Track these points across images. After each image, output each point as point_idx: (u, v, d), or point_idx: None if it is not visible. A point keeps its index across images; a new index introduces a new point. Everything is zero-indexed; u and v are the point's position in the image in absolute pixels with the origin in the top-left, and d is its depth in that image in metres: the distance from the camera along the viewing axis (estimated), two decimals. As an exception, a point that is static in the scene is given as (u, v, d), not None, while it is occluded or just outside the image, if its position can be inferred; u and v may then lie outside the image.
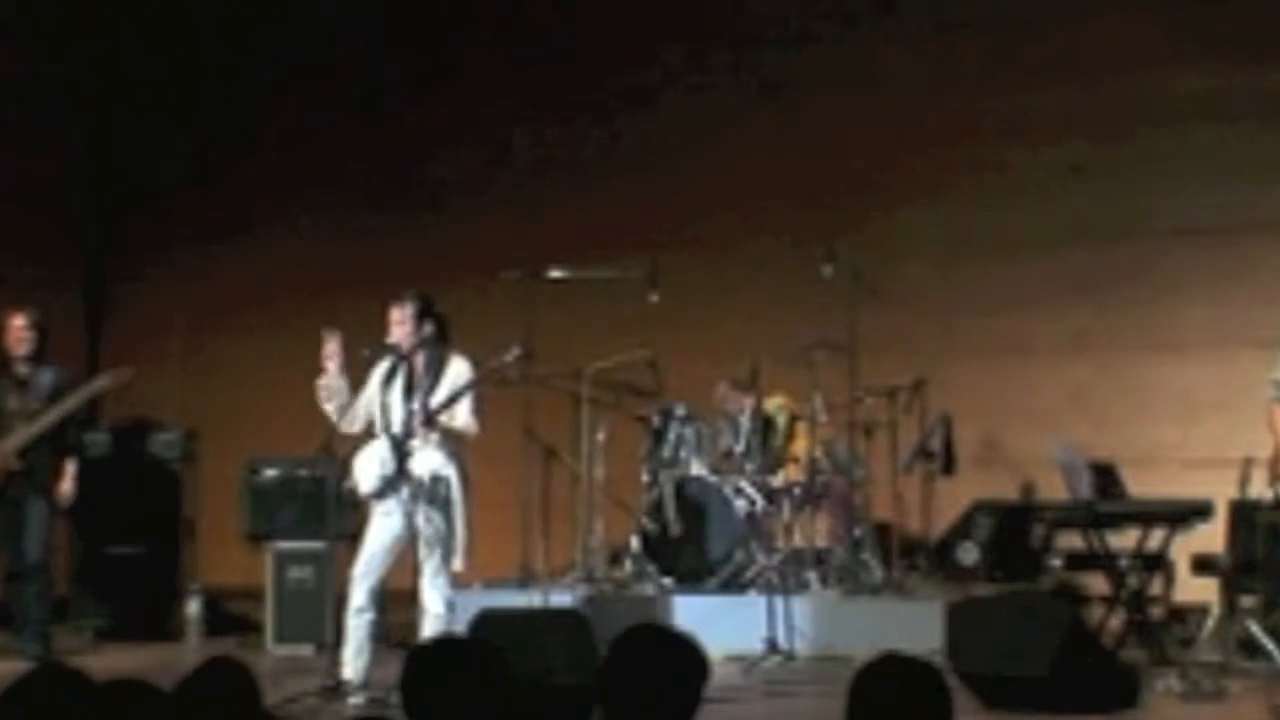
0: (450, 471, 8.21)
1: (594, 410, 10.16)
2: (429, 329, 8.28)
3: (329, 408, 8.25)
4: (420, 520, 8.14)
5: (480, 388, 8.34)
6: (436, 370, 8.26)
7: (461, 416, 8.22)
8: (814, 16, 11.72)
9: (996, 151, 11.13)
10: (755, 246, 11.50)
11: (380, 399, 8.30)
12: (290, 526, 10.66)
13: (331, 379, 8.23)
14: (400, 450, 8.16)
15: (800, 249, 10.60)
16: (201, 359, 12.71)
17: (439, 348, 8.31)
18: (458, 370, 8.28)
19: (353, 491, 8.36)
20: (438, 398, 8.21)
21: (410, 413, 8.19)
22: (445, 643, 4.33)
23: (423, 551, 8.16)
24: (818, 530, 10.21)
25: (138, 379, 10.47)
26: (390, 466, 8.15)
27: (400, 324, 8.24)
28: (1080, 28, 10.98)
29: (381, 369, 8.33)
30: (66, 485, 10.07)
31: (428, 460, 8.19)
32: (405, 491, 8.16)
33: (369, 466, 8.21)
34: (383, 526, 8.22)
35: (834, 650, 9.15)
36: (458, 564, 8.25)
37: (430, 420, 8.13)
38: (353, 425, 8.29)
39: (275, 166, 12.86)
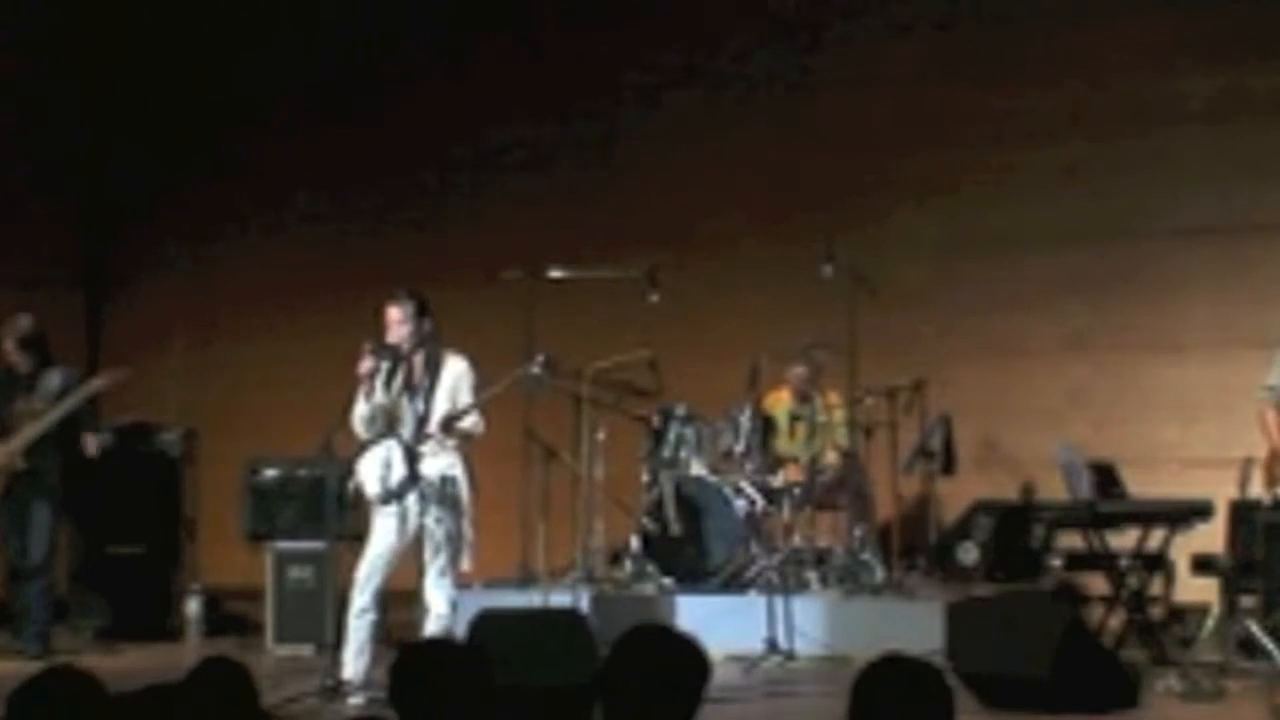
0: (459, 472, 8.23)
1: (594, 410, 10.17)
2: (428, 327, 8.29)
3: (361, 429, 8.24)
4: (430, 521, 8.14)
5: (482, 388, 8.36)
6: (435, 370, 8.27)
7: (469, 417, 8.23)
8: (814, 16, 11.72)
9: (996, 151, 11.13)
10: (755, 246, 11.50)
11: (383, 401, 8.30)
12: (290, 526, 10.67)
13: (377, 401, 8.21)
14: (411, 455, 8.15)
15: (800, 249, 10.59)
16: (201, 359, 12.70)
17: (435, 346, 8.32)
18: (456, 369, 8.28)
19: (358, 493, 8.36)
20: (439, 397, 8.21)
21: (419, 418, 8.18)
22: (432, 644, 4.38)
23: (429, 552, 8.16)
24: (821, 530, 10.22)
25: (137, 379, 10.48)
26: (400, 471, 8.14)
27: (401, 323, 8.24)
28: (1080, 28, 10.98)
29: (381, 371, 8.32)
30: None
31: (437, 462, 8.20)
32: (415, 494, 8.15)
33: (374, 469, 8.20)
34: (388, 528, 8.20)
35: (834, 650, 9.16)
36: (466, 564, 8.26)
37: (448, 427, 8.14)
38: (370, 430, 8.27)
39: (275, 167, 12.86)
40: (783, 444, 10.56)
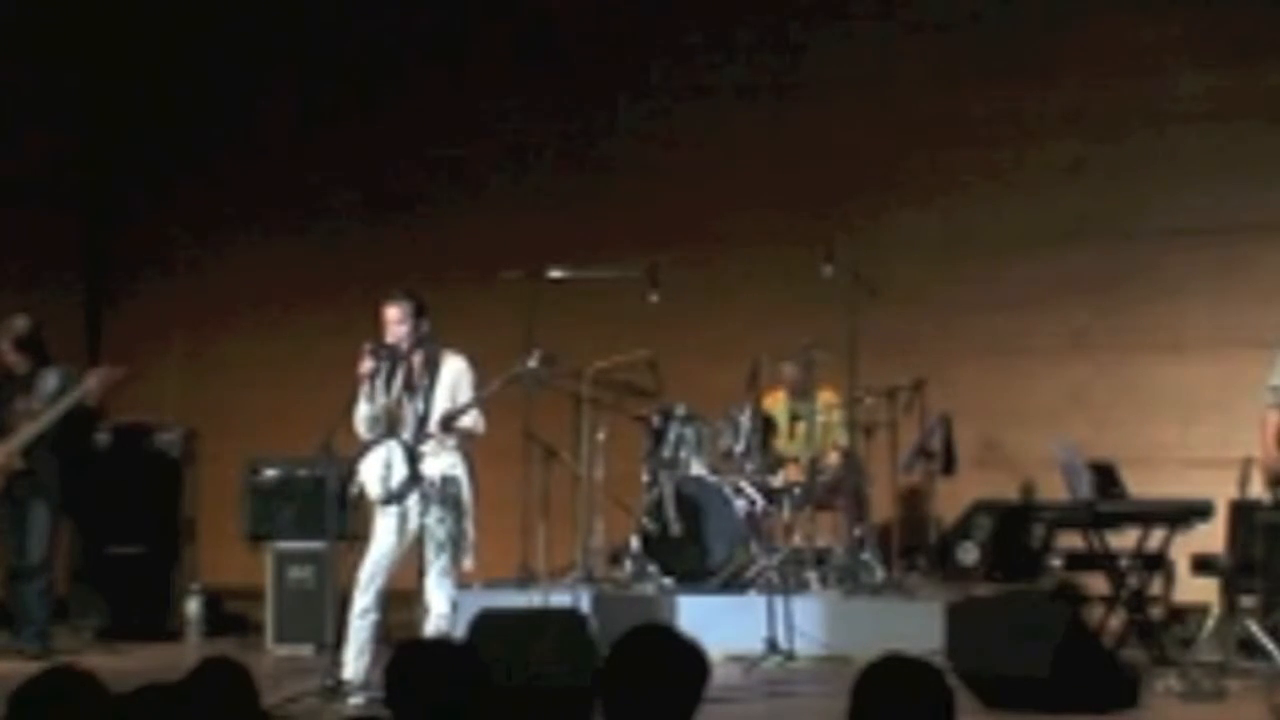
0: (460, 472, 8.22)
1: (594, 410, 10.16)
2: (425, 326, 8.29)
3: (364, 429, 8.23)
4: (432, 521, 8.14)
5: (481, 387, 8.35)
6: (434, 369, 8.27)
7: (469, 415, 8.23)
8: (814, 17, 11.71)
9: (996, 151, 11.12)
10: (755, 246, 11.50)
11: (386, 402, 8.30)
12: (290, 526, 10.66)
13: (380, 401, 8.20)
14: (412, 455, 8.14)
15: (800, 249, 10.59)
16: (201, 359, 12.70)
17: (433, 346, 8.32)
18: (455, 368, 8.29)
19: (361, 494, 8.35)
20: (438, 396, 8.21)
21: (419, 417, 8.18)
22: (426, 643, 4.40)
23: (431, 552, 8.16)
24: (821, 530, 10.22)
25: (132, 378, 10.48)
26: (401, 471, 8.14)
27: (400, 323, 8.24)
28: (1080, 28, 10.98)
29: (381, 371, 8.32)
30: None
31: (439, 462, 8.20)
32: (416, 494, 8.15)
33: (376, 470, 8.19)
34: (390, 529, 8.21)
35: (834, 650, 9.16)
36: (467, 564, 8.27)
37: (448, 426, 8.14)
38: (373, 431, 8.26)
39: (275, 166, 12.84)
40: (783, 444, 10.56)
